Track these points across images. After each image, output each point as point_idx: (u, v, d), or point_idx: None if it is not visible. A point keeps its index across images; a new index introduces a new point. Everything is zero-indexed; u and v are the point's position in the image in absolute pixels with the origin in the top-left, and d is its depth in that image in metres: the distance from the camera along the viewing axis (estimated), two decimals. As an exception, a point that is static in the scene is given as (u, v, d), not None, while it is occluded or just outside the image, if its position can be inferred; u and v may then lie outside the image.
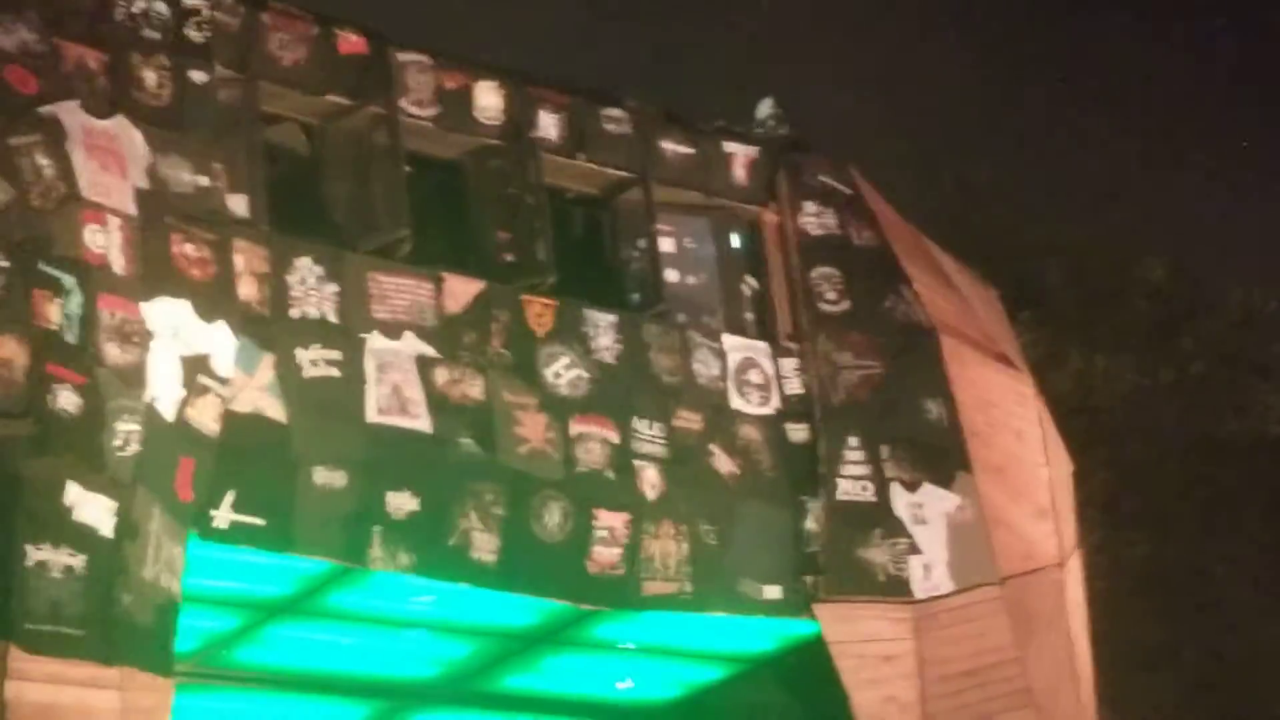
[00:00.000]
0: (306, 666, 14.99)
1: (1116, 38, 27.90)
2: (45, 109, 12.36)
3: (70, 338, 11.92)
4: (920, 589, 15.12)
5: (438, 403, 13.70)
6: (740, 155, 16.08)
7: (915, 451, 15.46)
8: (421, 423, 13.60)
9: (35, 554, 11.49)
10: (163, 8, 13.25)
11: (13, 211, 11.90)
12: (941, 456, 15.51)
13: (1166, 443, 23.64)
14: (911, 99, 25.82)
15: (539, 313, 14.46)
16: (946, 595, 15.15)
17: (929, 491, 15.40)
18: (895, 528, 15.20)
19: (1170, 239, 25.30)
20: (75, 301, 12.00)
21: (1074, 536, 16.19)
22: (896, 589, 15.07)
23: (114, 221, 12.37)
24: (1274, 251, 25.63)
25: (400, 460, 13.43)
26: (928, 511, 15.34)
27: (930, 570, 15.18)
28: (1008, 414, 16.06)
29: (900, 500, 15.31)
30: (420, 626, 14.64)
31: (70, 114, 12.46)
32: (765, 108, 16.62)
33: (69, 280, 12.00)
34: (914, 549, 15.18)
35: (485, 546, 13.62)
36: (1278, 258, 25.39)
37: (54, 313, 11.88)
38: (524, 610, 14.48)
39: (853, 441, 15.34)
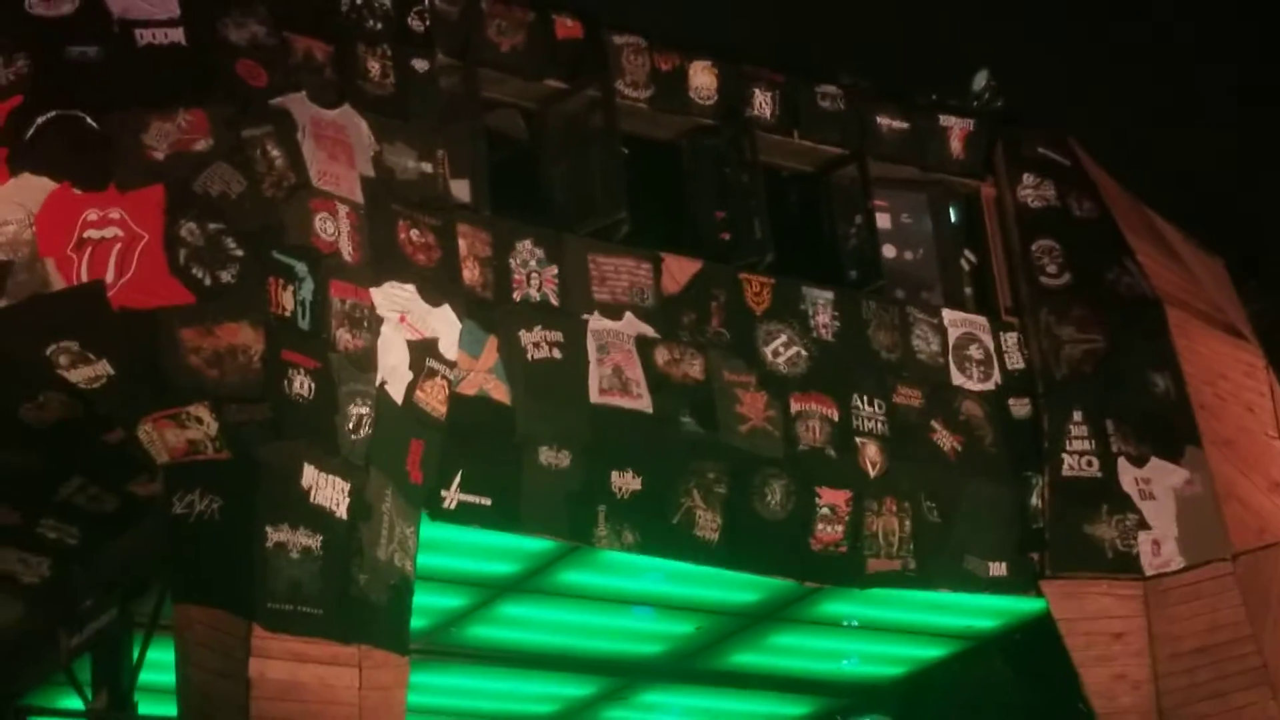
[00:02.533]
0: (535, 644, 15.28)
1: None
2: (275, 101, 12.73)
3: (303, 324, 12.28)
4: (1150, 565, 15.22)
5: (658, 382, 14.00)
6: (956, 128, 16.25)
7: (1142, 425, 15.55)
8: (643, 402, 13.91)
9: (274, 535, 11.88)
10: (386, 0, 13.65)
11: (246, 201, 12.28)
12: (1169, 430, 15.58)
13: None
14: (1130, 65, 25.60)
15: (757, 291, 14.72)
16: (1177, 571, 15.22)
17: (1157, 466, 15.48)
18: (1123, 503, 15.30)
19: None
20: (307, 288, 12.35)
21: (1310, 510, 16.18)
22: (1125, 565, 15.18)
23: (342, 209, 12.72)
24: None
25: (623, 440, 13.75)
26: (1156, 486, 15.43)
27: (1160, 546, 15.27)
28: (1237, 386, 16.11)
29: (1127, 475, 15.41)
30: (645, 604, 14.95)
31: (299, 105, 12.81)
32: (981, 80, 16.71)
33: (301, 268, 12.36)
34: (1143, 524, 15.28)
35: (708, 525, 13.91)
36: None
37: (288, 300, 12.25)
38: (747, 588, 14.73)
39: (1077, 416, 15.47)
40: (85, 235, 11.96)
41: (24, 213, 11.98)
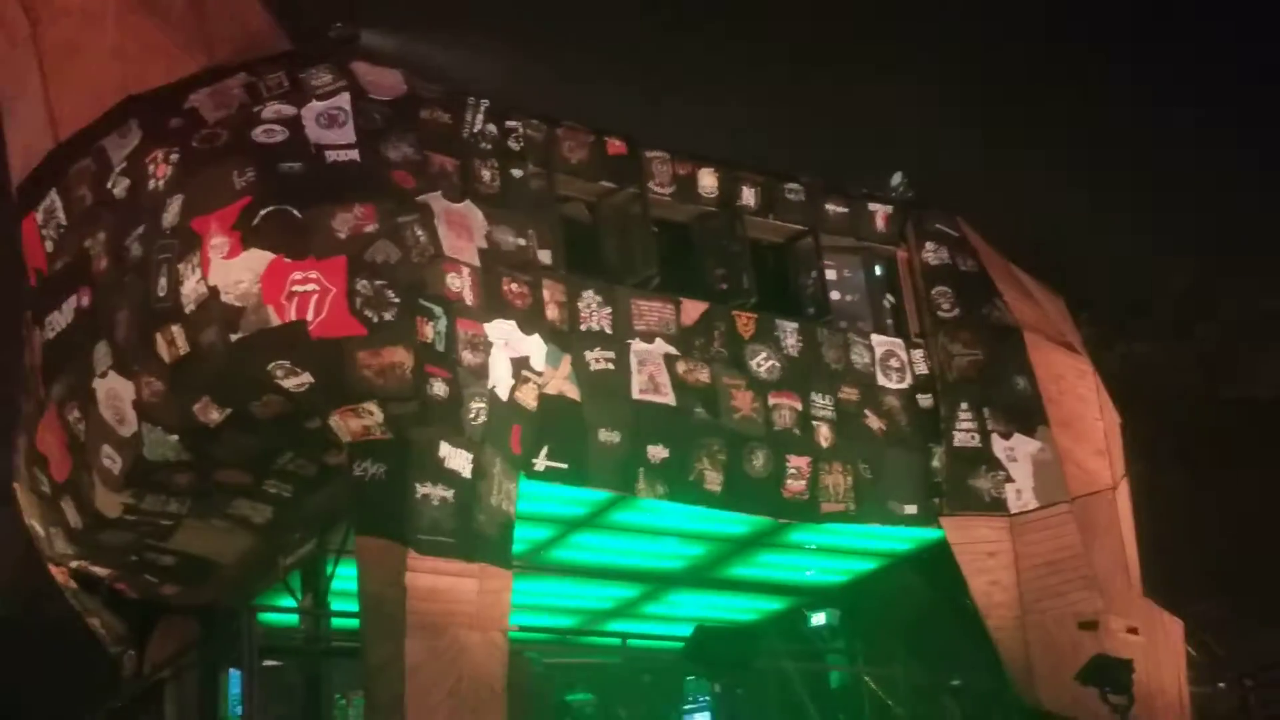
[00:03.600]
0: (597, 562, 15.30)
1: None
2: (420, 198, 12.78)
3: (439, 347, 12.35)
4: (1014, 506, 15.21)
5: (679, 385, 14.02)
6: (880, 212, 16.17)
7: (1008, 412, 15.51)
8: (669, 398, 13.93)
9: (421, 490, 12.01)
10: (493, 129, 13.66)
11: (401, 266, 12.38)
12: (1027, 415, 15.54)
13: (1187, 400, 23.15)
14: (1000, 164, 25.55)
15: (745, 323, 14.71)
16: (1032, 510, 15.21)
17: (1019, 440, 15.46)
18: (995, 465, 15.28)
19: (1187, 255, 24.80)
20: (442, 324, 12.41)
21: (1122, 468, 16.07)
22: (997, 506, 15.18)
23: (465, 270, 12.78)
24: (1267, 264, 24.82)
25: (655, 424, 13.77)
26: (1018, 453, 15.40)
27: (1021, 494, 15.26)
28: (1073, 384, 16.07)
29: (998, 446, 15.39)
30: (672, 534, 14.96)
31: (436, 200, 12.85)
32: (896, 178, 16.66)
33: (438, 310, 12.43)
34: (1009, 479, 15.26)
35: (714, 481, 13.94)
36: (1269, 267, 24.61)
37: (429, 331, 12.32)
38: (740, 523, 14.76)
39: (964, 406, 15.44)
40: (293, 289, 12.11)
41: (252, 275, 12.14)
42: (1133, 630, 15.18)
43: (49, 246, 13.38)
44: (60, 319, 13.11)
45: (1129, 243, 25.01)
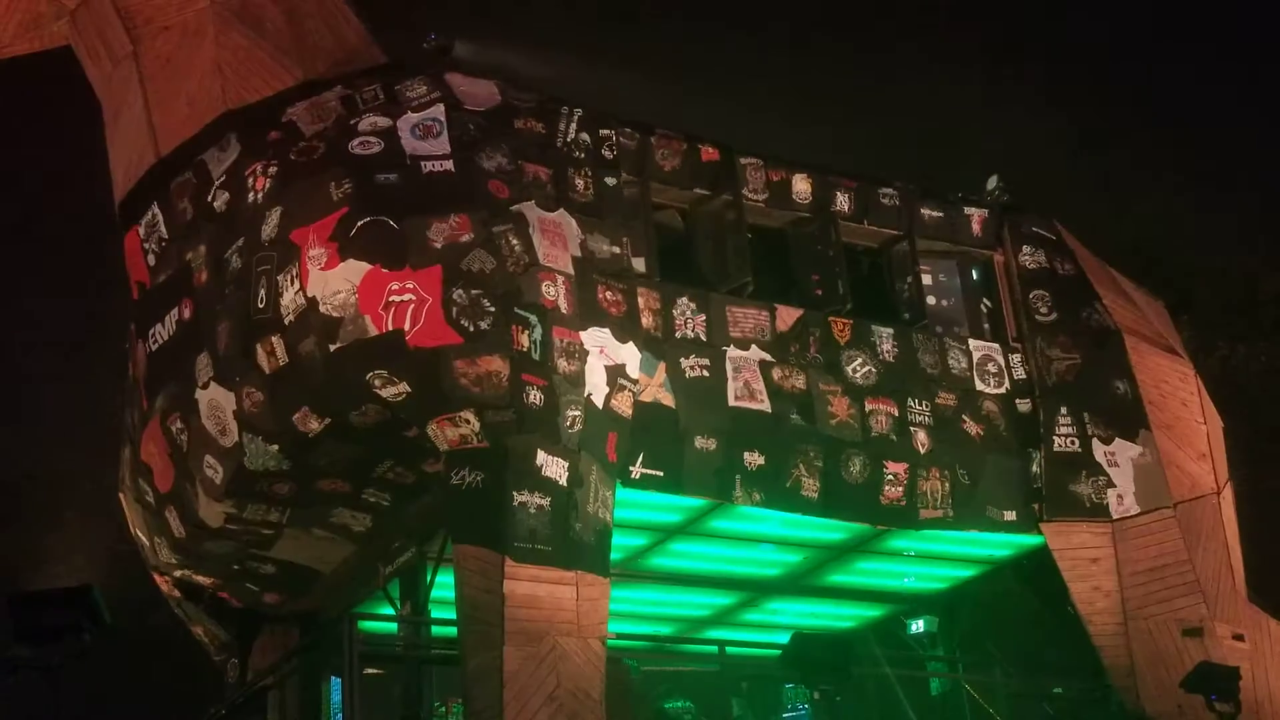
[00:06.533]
0: (694, 569, 15.18)
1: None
2: (514, 207, 12.70)
3: (535, 355, 12.26)
4: (1115, 511, 14.90)
5: (775, 391, 13.84)
6: (976, 215, 15.92)
7: (1108, 416, 15.20)
8: (764, 405, 13.75)
9: (518, 497, 11.93)
10: (586, 137, 13.55)
11: (496, 275, 12.31)
12: (1128, 419, 15.23)
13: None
14: (1099, 165, 25.20)
15: (840, 329, 14.51)
16: (1134, 515, 14.89)
17: (1119, 444, 15.14)
18: (1096, 470, 14.97)
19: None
20: (538, 332, 12.33)
21: (1225, 472, 15.72)
22: (1099, 512, 14.87)
23: (560, 279, 12.68)
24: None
25: (751, 430, 13.60)
26: (1119, 458, 15.09)
27: (1122, 498, 14.95)
28: (1174, 388, 15.74)
29: (1099, 450, 15.08)
30: (768, 542, 14.79)
31: (530, 210, 12.77)
32: (992, 182, 16.41)
33: (533, 318, 12.34)
34: (1110, 484, 14.95)
35: (810, 487, 13.76)
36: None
37: (525, 340, 12.24)
38: (838, 530, 14.58)
39: (1063, 411, 15.14)
40: (390, 299, 12.06)
41: (350, 285, 12.11)
42: (1239, 637, 14.82)
43: (151, 260, 13.49)
44: (163, 331, 13.21)
45: (1230, 245, 24.59)
